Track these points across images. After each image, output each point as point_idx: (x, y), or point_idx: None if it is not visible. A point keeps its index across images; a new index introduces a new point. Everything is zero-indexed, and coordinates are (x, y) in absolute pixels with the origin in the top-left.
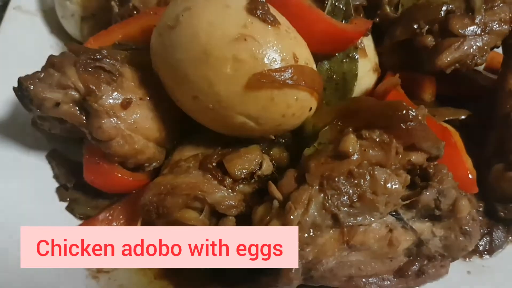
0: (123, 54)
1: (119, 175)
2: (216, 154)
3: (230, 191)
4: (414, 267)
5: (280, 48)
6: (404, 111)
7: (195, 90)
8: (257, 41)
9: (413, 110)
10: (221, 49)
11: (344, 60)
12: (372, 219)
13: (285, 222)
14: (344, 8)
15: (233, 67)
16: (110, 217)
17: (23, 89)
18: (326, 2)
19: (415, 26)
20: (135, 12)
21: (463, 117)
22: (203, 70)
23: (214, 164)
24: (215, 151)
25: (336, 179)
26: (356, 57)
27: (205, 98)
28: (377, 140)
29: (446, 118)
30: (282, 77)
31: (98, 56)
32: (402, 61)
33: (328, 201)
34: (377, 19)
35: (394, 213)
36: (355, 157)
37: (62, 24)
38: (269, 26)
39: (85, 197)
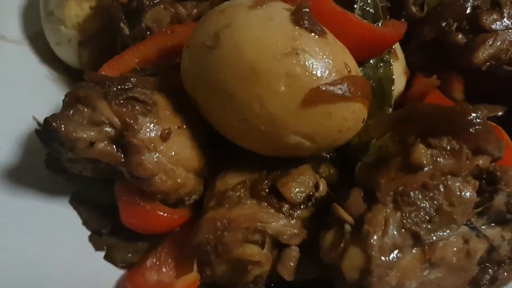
0: (151, 80)
1: (163, 213)
2: (265, 178)
3: (290, 218)
4: (487, 275)
5: (332, 59)
6: (472, 115)
7: (243, 112)
8: (309, 54)
9: (479, 113)
10: (272, 65)
11: (379, 65)
12: (450, 232)
13: (365, 247)
14: (373, 11)
15: (287, 83)
16: (158, 263)
17: (51, 130)
18: (355, 6)
19: (443, 24)
20: (148, 33)
21: (500, 113)
22: (253, 89)
23: (267, 190)
24: (262, 175)
25: (411, 194)
26: (391, 60)
27: (255, 119)
28: (447, 147)
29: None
30: (340, 90)
31: (128, 86)
32: (429, 61)
33: (407, 219)
34: (403, 20)
35: (467, 222)
36: (427, 168)
37: (55, 52)
38: (318, 37)
39: (123, 242)
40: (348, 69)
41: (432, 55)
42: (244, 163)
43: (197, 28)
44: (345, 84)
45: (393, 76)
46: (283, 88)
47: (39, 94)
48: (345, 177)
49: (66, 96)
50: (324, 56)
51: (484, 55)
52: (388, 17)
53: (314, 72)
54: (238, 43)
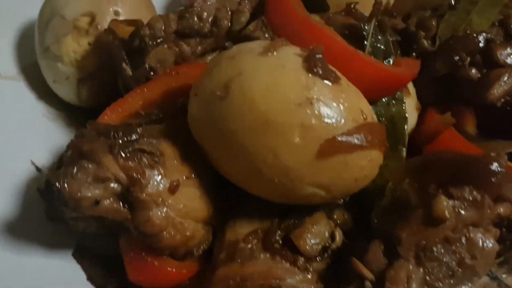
0: (157, 128)
1: (172, 269)
2: (277, 228)
3: (305, 272)
4: None
5: (347, 107)
6: (493, 164)
7: (255, 163)
8: (323, 103)
9: (500, 161)
10: (285, 115)
11: (391, 103)
12: (471, 285)
13: None
14: (384, 48)
15: (302, 134)
16: None
17: (55, 190)
18: (365, 43)
19: (456, 59)
20: (151, 73)
21: None
22: (266, 140)
23: (280, 242)
24: (274, 223)
25: (434, 248)
26: (403, 98)
27: (268, 171)
28: (469, 198)
29: None
30: (357, 140)
31: (134, 137)
32: (441, 94)
33: (430, 275)
34: (414, 54)
35: (489, 272)
36: (450, 221)
37: (53, 89)
38: (331, 84)
39: None
40: (364, 116)
41: (444, 88)
42: (255, 209)
43: (206, 76)
44: (362, 133)
45: (406, 114)
46: (298, 139)
47: (36, 134)
48: (360, 222)
49: (68, 148)
50: (339, 105)
51: (499, 92)
52: (398, 52)
53: (329, 122)
54: (250, 93)
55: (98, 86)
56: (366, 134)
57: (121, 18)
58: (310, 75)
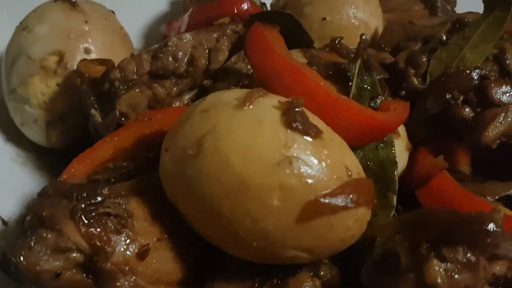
0: (127, 186)
1: None
2: None
3: None
4: None
5: (330, 164)
6: (489, 225)
7: (232, 227)
8: (304, 161)
9: (497, 219)
10: (263, 177)
11: (380, 146)
12: None
13: None
14: (370, 88)
15: (281, 197)
16: None
17: (11, 264)
18: (350, 83)
19: (448, 97)
20: (123, 119)
21: None
22: (243, 204)
23: None
24: (255, 284)
25: None
26: (392, 140)
27: (246, 235)
28: (463, 260)
29: (497, 197)
30: (341, 201)
31: (99, 198)
32: (432, 132)
33: None
34: (404, 92)
35: None
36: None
37: (22, 130)
38: (312, 139)
39: None
40: (349, 172)
41: (436, 126)
42: (234, 269)
43: (177, 130)
44: (347, 192)
45: (396, 158)
46: (277, 202)
47: (3, 182)
48: (349, 277)
49: (28, 213)
50: (321, 162)
51: (493, 133)
52: (386, 91)
53: (310, 183)
54: (224, 152)
55: (69, 128)
56: (352, 194)
57: (93, 55)
58: (289, 130)
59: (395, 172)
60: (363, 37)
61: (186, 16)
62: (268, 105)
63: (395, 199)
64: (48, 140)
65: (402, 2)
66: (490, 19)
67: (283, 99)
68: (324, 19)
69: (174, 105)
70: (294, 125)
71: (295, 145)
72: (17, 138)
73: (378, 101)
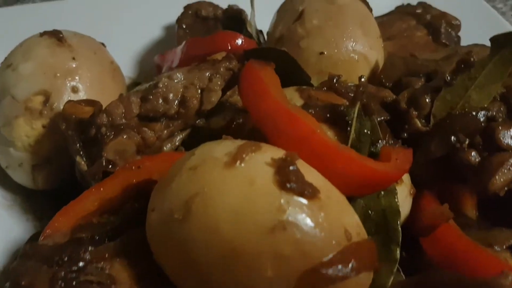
0: (111, 247)
1: None
2: None
3: None
4: None
5: (328, 227)
6: None
7: None
8: (300, 227)
9: (506, 286)
10: (255, 244)
11: (381, 194)
12: None
13: None
14: (370, 133)
15: (275, 266)
16: None
17: None
18: (348, 129)
19: (453, 140)
20: (110, 166)
21: None
22: (233, 273)
23: None
24: None
25: None
26: (395, 188)
27: None
28: None
29: (505, 246)
30: (341, 270)
31: (82, 263)
32: (437, 174)
33: None
34: (405, 135)
35: None
36: None
37: (7, 172)
38: (308, 201)
39: None
40: (349, 235)
41: (440, 168)
42: None
43: (163, 188)
44: (347, 259)
45: (398, 207)
46: (270, 272)
47: None
48: None
49: (8, 279)
50: (319, 227)
51: (501, 180)
52: (388, 134)
53: (307, 250)
54: (213, 217)
55: (56, 170)
56: (352, 260)
57: (81, 93)
58: (283, 192)
59: (398, 222)
60: (362, 79)
61: (180, 49)
62: (260, 163)
63: (398, 252)
64: (35, 183)
65: (404, 28)
66: (497, 59)
67: (277, 155)
68: (321, 53)
69: (165, 148)
70: (288, 186)
71: (290, 208)
72: (2, 179)
73: (379, 146)
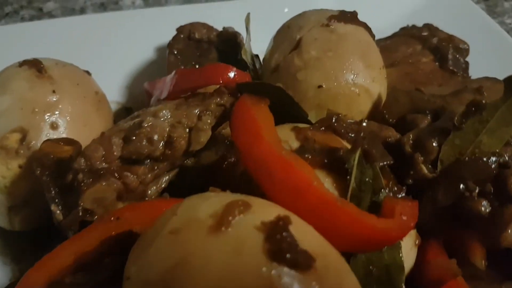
0: None
1: None
2: None
3: None
4: None
5: None
6: None
7: None
8: None
9: None
10: None
11: (384, 248)
12: None
13: None
14: (372, 181)
15: None
16: None
17: None
18: (348, 177)
19: (462, 188)
20: (88, 215)
21: None
22: None
23: None
24: None
25: None
26: (399, 242)
27: None
28: None
29: None
30: None
31: None
32: (444, 223)
33: None
34: (410, 181)
35: None
36: None
37: None
38: (303, 273)
39: None
40: None
41: (448, 216)
42: None
43: (141, 254)
44: None
45: (403, 263)
46: None
47: None
48: None
49: None
50: None
51: None
52: (391, 181)
53: None
54: None
55: (34, 212)
56: None
57: (61, 129)
58: (274, 262)
59: (403, 279)
60: (364, 124)
61: (169, 79)
62: (248, 227)
63: None
64: (11, 225)
65: (409, 53)
66: (510, 102)
67: (268, 217)
68: (320, 86)
69: (149, 191)
70: (280, 255)
71: (282, 282)
72: None
73: (382, 195)
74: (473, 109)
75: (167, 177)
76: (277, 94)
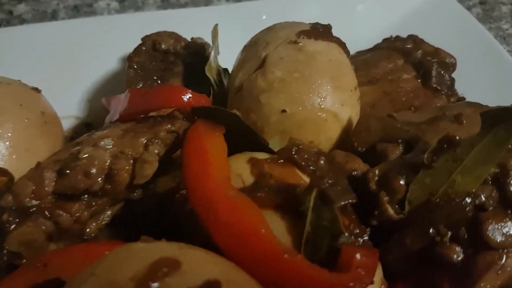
0: None
1: None
2: None
3: None
4: None
5: None
6: None
7: None
8: None
9: None
10: None
11: None
12: None
13: None
14: (330, 225)
15: None
16: None
17: None
18: (304, 218)
19: (433, 232)
20: (15, 259)
21: None
22: None
23: None
24: None
25: None
26: None
27: None
28: None
29: None
30: None
31: None
32: (413, 267)
33: None
34: (375, 222)
35: None
36: None
37: None
38: None
39: None
40: None
41: (417, 258)
42: None
43: None
44: None
45: None
46: None
47: None
48: None
49: None
50: None
51: (488, 286)
52: (353, 224)
53: None
54: None
55: None
56: None
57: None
58: None
59: None
60: (321, 161)
61: (124, 98)
62: None
63: None
64: None
65: (390, 69)
66: (489, 139)
67: (197, 281)
68: (284, 111)
69: (88, 229)
70: None
71: None
72: None
73: (341, 240)
74: (445, 145)
75: (109, 211)
76: (232, 121)
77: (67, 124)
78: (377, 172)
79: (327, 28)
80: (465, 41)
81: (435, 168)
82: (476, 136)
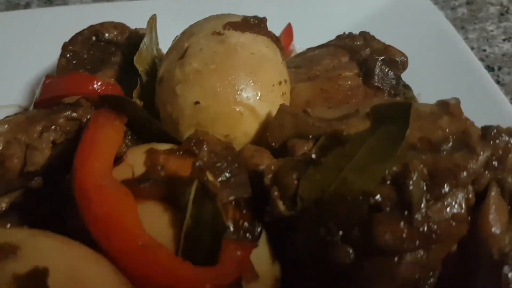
0: None
1: None
2: None
3: None
4: None
5: None
6: None
7: None
8: None
9: None
10: None
11: None
12: None
13: None
14: (212, 219)
15: None
16: None
17: None
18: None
19: (322, 231)
20: None
21: None
22: None
23: None
24: None
25: None
26: None
27: None
28: None
29: None
30: None
31: None
32: (313, 272)
33: None
34: (267, 218)
35: None
36: None
37: None
38: None
39: None
40: None
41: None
42: None
43: None
44: None
45: None
46: None
47: None
48: None
49: None
50: None
51: None
52: (242, 220)
53: None
54: None
55: None
56: None
57: None
58: None
59: None
60: (203, 149)
61: (41, 85)
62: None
63: None
64: None
65: (332, 66)
66: (381, 135)
67: (23, 269)
68: (197, 103)
69: None
70: None
71: None
72: None
73: (223, 235)
74: (332, 140)
75: (6, 199)
76: (134, 111)
77: (11, 112)
78: (272, 167)
79: (262, 20)
80: (432, 39)
81: (324, 164)
82: (365, 132)
